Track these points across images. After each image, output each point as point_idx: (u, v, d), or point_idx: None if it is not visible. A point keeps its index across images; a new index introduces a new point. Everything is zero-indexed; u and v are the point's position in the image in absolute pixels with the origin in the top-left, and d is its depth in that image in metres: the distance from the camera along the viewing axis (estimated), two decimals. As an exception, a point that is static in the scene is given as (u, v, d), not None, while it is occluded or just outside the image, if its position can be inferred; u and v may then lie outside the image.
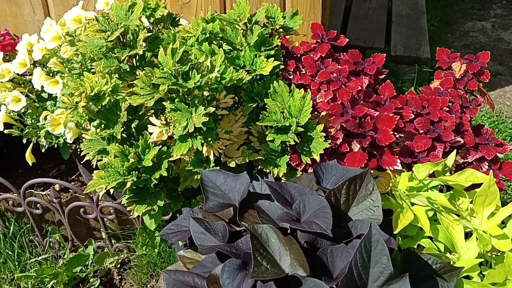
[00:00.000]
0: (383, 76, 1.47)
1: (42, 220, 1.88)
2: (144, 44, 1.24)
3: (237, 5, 1.44)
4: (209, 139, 1.19)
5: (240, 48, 1.36)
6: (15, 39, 2.08)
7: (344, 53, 1.45)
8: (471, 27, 3.55)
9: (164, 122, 1.20)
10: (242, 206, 1.16)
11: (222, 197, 1.18)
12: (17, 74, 1.79)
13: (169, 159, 1.21)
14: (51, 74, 1.76)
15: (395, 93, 1.40)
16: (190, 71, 1.14)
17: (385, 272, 1.00)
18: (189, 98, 1.17)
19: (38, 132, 1.74)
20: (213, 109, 1.15)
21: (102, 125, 1.23)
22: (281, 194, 1.15)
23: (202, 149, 1.20)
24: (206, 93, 1.18)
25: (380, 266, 1.00)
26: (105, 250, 1.84)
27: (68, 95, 1.21)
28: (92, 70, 1.40)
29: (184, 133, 1.17)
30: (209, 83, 1.16)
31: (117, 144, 1.22)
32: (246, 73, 1.30)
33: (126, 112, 1.21)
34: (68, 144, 1.76)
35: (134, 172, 1.19)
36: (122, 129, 1.23)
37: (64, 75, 1.69)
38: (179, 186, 1.29)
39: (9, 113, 1.75)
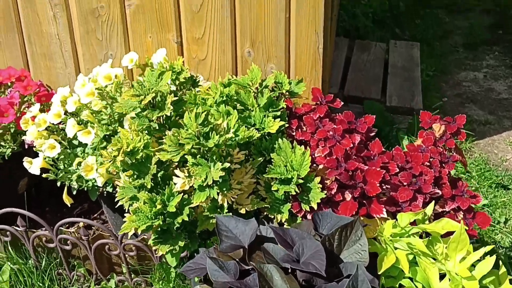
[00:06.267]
0: (373, 133, 1.70)
1: (69, 255, 2.09)
2: (171, 107, 1.49)
3: (251, 71, 1.69)
4: (224, 189, 1.42)
5: (252, 109, 1.61)
6: (49, 90, 2.33)
7: (340, 114, 1.69)
8: (464, 77, 3.81)
9: (187, 174, 1.43)
10: (251, 248, 1.37)
11: (233, 239, 1.39)
12: (52, 123, 2.03)
13: (190, 206, 1.44)
14: (82, 123, 2.00)
15: (383, 149, 1.63)
16: (210, 132, 1.38)
17: (369, 305, 1.20)
18: (208, 154, 1.41)
19: (70, 176, 1.97)
20: (229, 164, 1.38)
21: (135, 175, 1.46)
22: (283, 238, 1.36)
23: (218, 197, 1.43)
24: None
25: (365, 300, 1.21)
26: (125, 284, 2.04)
27: (104, 148, 1.44)
28: (126, 127, 1.63)
29: (204, 184, 1.40)
30: (226, 142, 1.40)
31: (146, 192, 1.45)
32: (256, 131, 1.53)
33: (155, 165, 1.45)
34: (96, 187, 1.99)
35: (160, 216, 1.42)
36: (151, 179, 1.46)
37: (94, 125, 1.93)
38: (196, 229, 1.51)
39: (45, 158, 1.99)
